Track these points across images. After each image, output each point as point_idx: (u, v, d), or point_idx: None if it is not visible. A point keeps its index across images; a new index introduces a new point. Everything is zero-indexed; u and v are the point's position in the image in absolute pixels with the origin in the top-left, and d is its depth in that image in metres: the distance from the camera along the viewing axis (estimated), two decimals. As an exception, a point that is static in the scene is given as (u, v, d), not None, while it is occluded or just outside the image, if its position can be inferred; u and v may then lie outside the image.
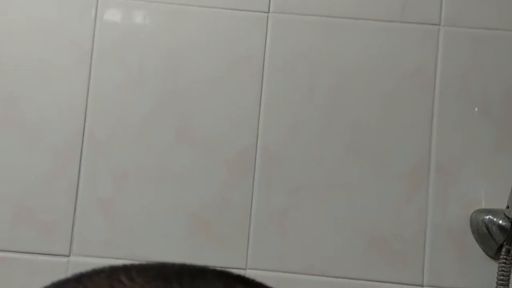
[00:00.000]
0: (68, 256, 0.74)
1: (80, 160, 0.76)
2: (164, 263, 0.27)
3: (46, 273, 0.72)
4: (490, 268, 0.72)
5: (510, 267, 0.69)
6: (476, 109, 0.76)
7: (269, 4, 0.77)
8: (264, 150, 0.76)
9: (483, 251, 0.73)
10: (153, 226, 0.75)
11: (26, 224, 0.75)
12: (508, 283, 0.69)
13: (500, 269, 0.70)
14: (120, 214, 0.75)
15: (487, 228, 0.72)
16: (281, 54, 0.77)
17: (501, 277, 0.69)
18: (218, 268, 0.27)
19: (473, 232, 0.73)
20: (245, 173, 0.75)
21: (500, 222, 0.71)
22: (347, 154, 0.75)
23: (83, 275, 0.26)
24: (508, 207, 0.70)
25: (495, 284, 0.70)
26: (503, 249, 0.70)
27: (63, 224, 0.75)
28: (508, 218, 0.70)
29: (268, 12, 0.77)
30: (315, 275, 0.74)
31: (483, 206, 0.74)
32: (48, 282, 0.26)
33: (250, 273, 0.74)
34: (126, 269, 0.25)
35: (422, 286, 0.74)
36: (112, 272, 0.25)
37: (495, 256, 0.72)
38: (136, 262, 0.26)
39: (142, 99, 0.76)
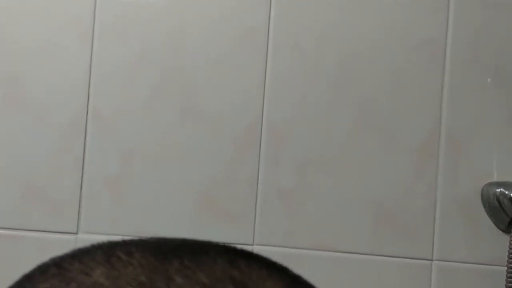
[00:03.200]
0: (76, 233, 0.75)
1: (85, 138, 0.76)
2: (165, 238, 0.26)
3: (55, 251, 0.73)
4: (502, 242, 0.71)
5: (522, 240, 0.68)
6: (489, 80, 0.74)
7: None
8: (270, 126, 0.75)
9: (495, 224, 0.72)
10: (160, 202, 0.75)
11: (34, 202, 0.75)
12: (520, 257, 0.68)
13: (511, 242, 0.69)
14: (127, 191, 0.75)
15: (499, 201, 0.71)
16: (286, 28, 0.75)
17: (513, 251, 0.68)
18: (221, 243, 0.26)
19: (484, 206, 0.72)
20: (252, 149, 0.74)
21: (512, 195, 0.69)
22: (356, 128, 0.74)
23: (80, 250, 0.25)
24: (519, 179, 0.69)
25: (507, 258, 0.69)
26: (515, 222, 0.69)
27: (70, 202, 0.75)
28: (520, 190, 0.68)
29: (271, -16, 0.76)
30: (323, 250, 0.73)
31: (495, 178, 0.73)
32: (56, 260, 0.25)
33: (257, 249, 0.73)
34: (124, 244, 0.25)
35: (432, 260, 0.73)
36: (110, 247, 0.25)
37: (506, 229, 0.71)
38: (136, 238, 0.26)
39: (146, 76, 0.76)
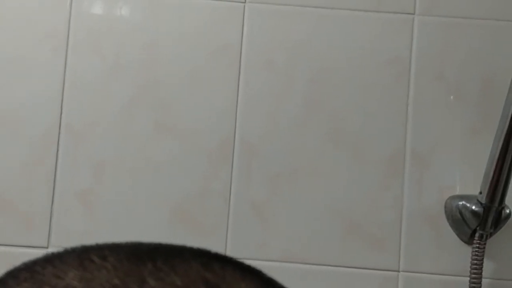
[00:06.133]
0: (47, 248, 0.74)
1: (57, 151, 0.75)
2: (139, 242, 0.27)
3: (25, 265, 0.72)
4: (464, 253, 0.74)
5: (484, 251, 0.71)
6: (451, 97, 0.77)
7: (245, -6, 0.78)
8: (243, 140, 0.76)
9: (458, 236, 0.75)
10: (133, 216, 0.75)
11: (3, 216, 0.74)
12: (482, 267, 0.71)
13: (474, 253, 0.71)
14: (99, 205, 0.75)
15: (461, 213, 0.73)
16: (259, 44, 0.77)
17: (475, 261, 0.71)
18: (196, 247, 0.27)
19: (448, 218, 0.75)
20: (225, 163, 0.75)
21: (473, 207, 0.72)
22: (326, 142, 0.76)
23: (54, 255, 0.25)
24: (481, 192, 0.71)
25: (469, 269, 0.71)
26: (477, 234, 0.72)
27: (41, 215, 0.74)
28: (481, 203, 0.71)
29: (245, 2, 0.77)
30: (295, 262, 0.75)
31: (458, 192, 0.75)
32: (26, 274, 0.25)
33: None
34: (98, 248, 0.25)
35: (398, 271, 0.75)
36: (83, 251, 0.25)
37: (469, 241, 0.74)
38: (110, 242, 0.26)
39: (119, 90, 0.76)
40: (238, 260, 0.26)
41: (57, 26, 0.76)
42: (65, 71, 0.76)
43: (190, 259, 0.25)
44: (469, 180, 0.75)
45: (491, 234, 0.72)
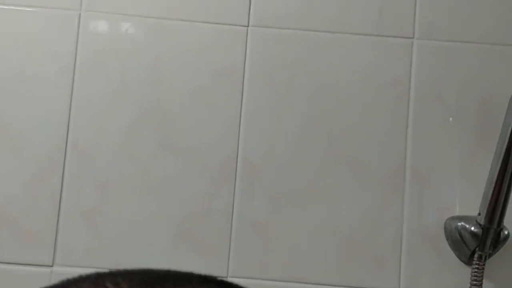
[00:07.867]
0: (52, 266, 0.75)
1: (63, 169, 0.76)
2: (149, 269, 0.28)
3: (29, 284, 0.73)
4: (464, 273, 0.74)
5: (483, 272, 0.72)
6: (450, 118, 0.78)
7: (249, 18, 0.79)
8: (245, 160, 0.77)
9: (457, 257, 0.75)
10: (137, 235, 0.76)
11: (8, 234, 0.75)
12: (481, 288, 0.72)
13: (473, 274, 0.72)
14: (104, 223, 0.76)
15: (460, 234, 0.74)
16: (261, 66, 0.78)
17: (474, 282, 0.72)
18: (203, 274, 0.28)
19: (447, 239, 0.76)
20: (227, 182, 0.76)
21: (472, 228, 0.73)
22: (326, 162, 0.77)
23: (69, 281, 0.27)
24: (479, 214, 0.72)
25: (468, 289, 0.72)
26: (476, 255, 0.72)
27: (46, 234, 0.75)
28: (480, 225, 0.72)
29: (248, 26, 0.79)
30: (296, 282, 0.75)
31: (457, 212, 0.76)
32: (32, 293, 0.27)
33: (231, 281, 0.75)
34: (111, 275, 0.26)
35: (399, 291, 0.76)
36: (98, 278, 0.26)
37: (468, 261, 0.75)
38: (122, 268, 0.27)
39: (124, 110, 0.77)
40: (243, 286, 0.28)
41: (65, 47, 0.78)
42: (72, 91, 0.77)
43: (198, 286, 0.26)
44: (469, 200, 0.76)
45: (490, 255, 0.73)
